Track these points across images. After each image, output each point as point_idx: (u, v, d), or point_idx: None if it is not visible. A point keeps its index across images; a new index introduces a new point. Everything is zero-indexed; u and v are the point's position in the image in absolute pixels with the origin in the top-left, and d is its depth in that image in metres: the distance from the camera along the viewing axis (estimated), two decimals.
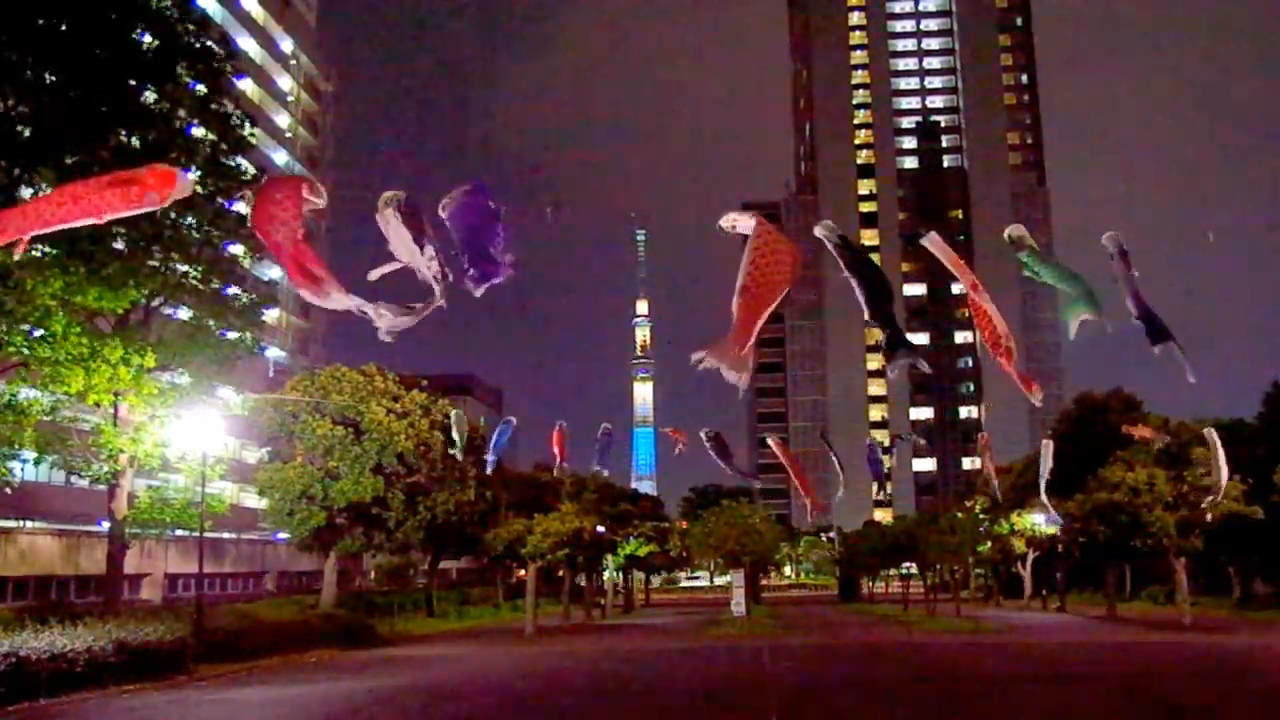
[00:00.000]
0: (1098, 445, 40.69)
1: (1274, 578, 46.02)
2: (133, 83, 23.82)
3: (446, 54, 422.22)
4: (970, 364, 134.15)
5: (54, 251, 21.52)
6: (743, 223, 9.04)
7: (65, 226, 8.84)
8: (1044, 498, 23.84)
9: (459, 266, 9.12)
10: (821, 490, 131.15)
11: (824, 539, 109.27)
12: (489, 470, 33.50)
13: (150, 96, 24.63)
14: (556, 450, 29.52)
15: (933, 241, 10.10)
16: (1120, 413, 45.87)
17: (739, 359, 9.09)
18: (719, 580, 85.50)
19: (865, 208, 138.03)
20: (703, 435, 25.78)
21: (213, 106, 26.88)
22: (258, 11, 76.13)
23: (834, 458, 27.73)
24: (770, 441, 28.24)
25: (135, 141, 24.44)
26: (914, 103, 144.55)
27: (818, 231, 9.35)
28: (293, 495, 35.43)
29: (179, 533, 36.52)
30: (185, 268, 26.12)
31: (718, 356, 9.01)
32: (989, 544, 50.26)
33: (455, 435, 31.17)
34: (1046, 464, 24.04)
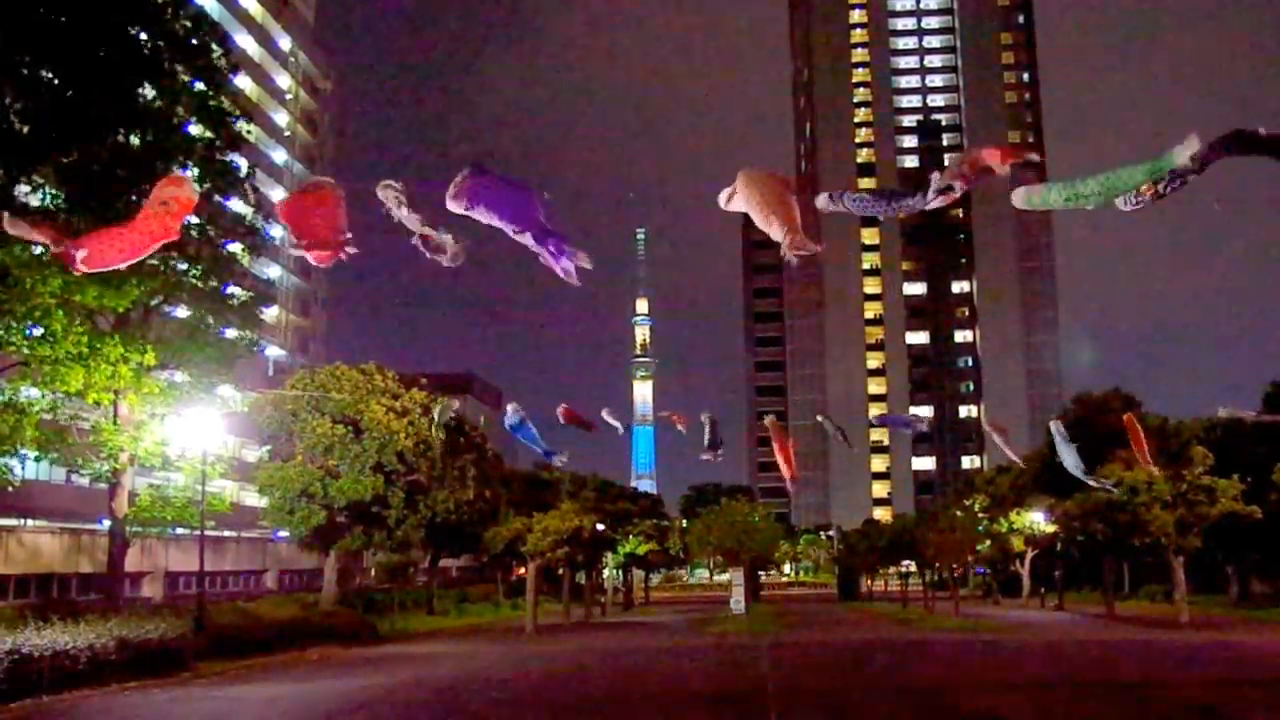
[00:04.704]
0: (1097, 445, 40.68)
1: (1272, 577, 46.07)
2: (131, 81, 23.85)
3: (444, 53, 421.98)
4: (970, 364, 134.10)
5: None
6: (725, 200, 8.85)
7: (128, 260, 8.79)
8: (1077, 469, 22.48)
9: (545, 244, 8.17)
10: (821, 489, 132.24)
11: (823, 537, 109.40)
12: (557, 461, 31.12)
13: (149, 95, 24.66)
14: (572, 422, 28.43)
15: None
16: (1119, 412, 45.86)
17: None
18: (719, 578, 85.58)
19: None
20: (703, 418, 25.82)
21: (211, 104, 26.90)
22: (256, 9, 76.12)
23: (827, 424, 27.39)
24: (766, 421, 28.05)
25: (134, 140, 24.49)
26: (914, 101, 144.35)
27: (819, 203, 8.98)
28: (293, 494, 35.47)
29: (180, 531, 36.56)
30: (185, 266, 26.15)
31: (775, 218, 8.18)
32: (988, 542, 50.33)
33: (436, 415, 29.69)
34: (1061, 436, 23.27)
